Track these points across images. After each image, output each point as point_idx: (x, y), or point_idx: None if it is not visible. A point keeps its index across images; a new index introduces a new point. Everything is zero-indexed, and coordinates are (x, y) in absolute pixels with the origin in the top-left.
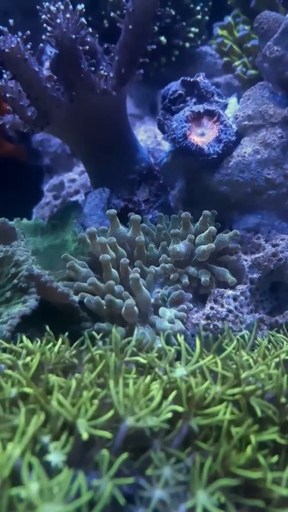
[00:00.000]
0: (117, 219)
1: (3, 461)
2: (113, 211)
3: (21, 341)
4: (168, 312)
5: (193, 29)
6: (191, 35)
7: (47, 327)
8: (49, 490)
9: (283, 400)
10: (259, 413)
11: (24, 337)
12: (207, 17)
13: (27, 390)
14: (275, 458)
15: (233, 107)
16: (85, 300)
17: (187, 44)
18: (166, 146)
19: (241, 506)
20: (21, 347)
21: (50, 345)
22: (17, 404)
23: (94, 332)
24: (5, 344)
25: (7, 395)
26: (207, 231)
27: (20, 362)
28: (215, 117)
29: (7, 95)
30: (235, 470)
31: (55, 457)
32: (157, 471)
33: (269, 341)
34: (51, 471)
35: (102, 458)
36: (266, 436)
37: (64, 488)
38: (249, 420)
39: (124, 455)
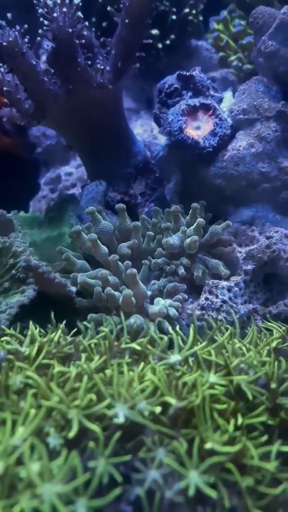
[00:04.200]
0: (125, 213)
1: (9, 446)
2: (122, 205)
3: (21, 331)
4: (162, 301)
5: (190, 17)
6: (188, 19)
7: (52, 316)
8: (49, 471)
9: (273, 385)
10: (250, 397)
11: (31, 324)
12: (202, 5)
13: (32, 378)
14: (264, 438)
15: (228, 101)
16: (95, 290)
17: (188, 29)
18: (162, 139)
19: (231, 486)
20: (30, 335)
21: (53, 335)
22: (21, 391)
23: (86, 323)
24: (8, 331)
25: (13, 383)
26: (195, 223)
27: (23, 350)
28: (211, 111)
29: (5, 88)
30: (217, 448)
31: (54, 440)
32: (151, 453)
33: (261, 331)
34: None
35: (97, 439)
36: (255, 419)
37: (63, 469)
38: (235, 403)
39: (118, 434)
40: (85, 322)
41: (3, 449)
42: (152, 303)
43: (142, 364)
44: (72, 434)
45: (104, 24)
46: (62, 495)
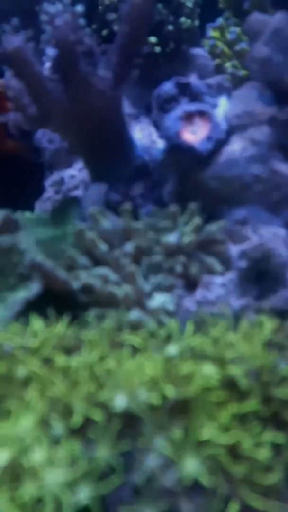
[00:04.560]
0: (130, 214)
1: (13, 435)
2: (127, 206)
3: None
4: (159, 297)
5: (186, 26)
6: (184, 27)
7: (52, 311)
8: (51, 460)
9: (266, 377)
10: (243, 388)
11: (35, 317)
12: (198, 13)
13: (36, 371)
14: (257, 428)
15: (223, 107)
16: (95, 287)
17: (183, 36)
18: (161, 144)
19: (227, 475)
20: (32, 329)
21: (56, 327)
22: (26, 382)
23: (90, 315)
24: (14, 325)
25: (18, 375)
26: (193, 223)
27: (27, 342)
28: (206, 116)
29: (10, 93)
30: (214, 438)
31: (56, 429)
32: (148, 442)
33: (253, 325)
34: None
35: (97, 428)
36: (248, 408)
37: (65, 458)
38: (229, 394)
39: (117, 423)
40: (87, 315)
41: (7, 439)
42: (150, 299)
43: (140, 355)
44: (74, 422)
45: (104, 32)
46: (64, 483)
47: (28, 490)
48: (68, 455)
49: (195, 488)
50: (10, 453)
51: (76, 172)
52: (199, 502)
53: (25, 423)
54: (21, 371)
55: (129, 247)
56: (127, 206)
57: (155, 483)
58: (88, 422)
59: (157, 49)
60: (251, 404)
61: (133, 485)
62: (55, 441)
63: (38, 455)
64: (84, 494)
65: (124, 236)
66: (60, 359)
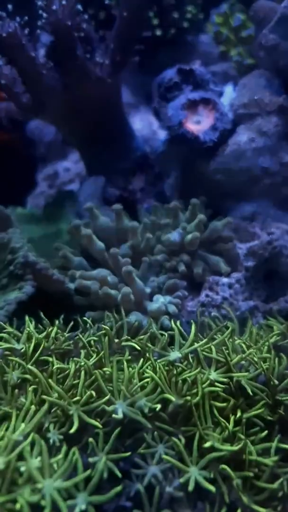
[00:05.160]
0: (123, 214)
1: (11, 441)
2: (119, 206)
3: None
4: (161, 299)
5: (189, 8)
6: (188, 15)
7: (41, 314)
8: (49, 467)
9: (273, 382)
10: (249, 391)
11: (27, 321)
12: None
13: (32, 372)
14: (264, 434)
15: (229, 96)
16: (92, 288)
17: (185, 24)
18: (162, 134)
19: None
20: (27, 332)
21: (50, 330)
22: (19, 387)
23: (86, 319)
24: (8, 328)
25: (11, 379)
26: (196, 219)
27: (20, 347)
28: (211, 105)
29: (2, 81)
30: (217, 446)
31: (54, 435)
32: (150, 450)
33: (261, 328)
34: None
35: (97, 436)
36: (254, 413)
37: (63, 465)
38: (236, 400)
39: (117, 431)
40: (84, 318)
41: (5, 445)
42: (151, 300)
43: (141, 360)
44: (73, 430)
45: (101, 16)
46: (62, 490)
47: (25, 497)
48: (66, 463)
49: (197, 494)
50: (5, 459)
51: (71, 165)
52: (201, 509)
53: (21, 430)
54: (13, 375)
55: (125, 247)
56: (119, 206)
57: (157, 489)
58: (86, 428)
59: (158, 32)
60: (258, 410)
61: (135, 492)
62: (52, 447)
63: (35, 461)
64: (83, 502)
65: (119, 236)
66: (56, 365)
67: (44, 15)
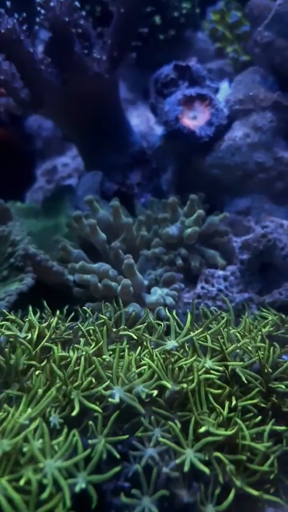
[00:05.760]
0: (120, 210)
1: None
2: (116, 203)
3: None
4: (159, 291)
5: (185, 4)
6: (183, 10)
7: (44, 303)
8: (50, 448)
9: (267, 370)
10: (244, 379)
11: (30, 311)
12: None
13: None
14: (257, 419)
15: (224, 92)
16: (91, 281)
17: (182, 19)
18: (159, 130)
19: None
20: (28, 321)
21: (51, 320)
22: (25, 372)
23: (86, 308)
24: (11, 316)
25: (20, 364)
26: (195, 214)
27: (23, 335)
28: (207, 101)
29: (1, 77)
30: (212, 431)
31: (54, 419)
32: (148, 433)
33: (255, 319)
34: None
35: (96, 420)
36: (248, 402)
37: (64, 446)
38: (230, 387)
39: (115, 414)
40: (84, 307)
41: (11, 427)
42: (149, 292)
43: (139, 348)
44: (75, 413)
45: (99, 12)
46: (63, 469)
47: (28, 475)
48: (67, 443)
49: (192, 475)
50: (11, 442)
51: (69, 160)
52: (196, 488)
53: (27, 414)
54: (19, 362)
55: (118, 242)
56: (116, 202)
57: (154, 470)
58: (86, 412)
59: (157, 32)
60: (252, 398)
61: (133, 473)
62: (53, 431)
63: (37, 443)
64: (82, 479)
65: (117, 231)
66: (58, 352)
67: (42, 11)
